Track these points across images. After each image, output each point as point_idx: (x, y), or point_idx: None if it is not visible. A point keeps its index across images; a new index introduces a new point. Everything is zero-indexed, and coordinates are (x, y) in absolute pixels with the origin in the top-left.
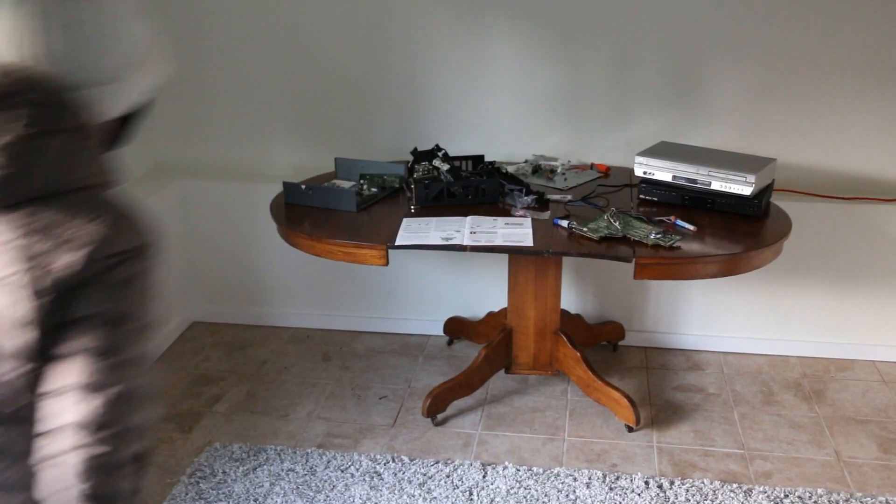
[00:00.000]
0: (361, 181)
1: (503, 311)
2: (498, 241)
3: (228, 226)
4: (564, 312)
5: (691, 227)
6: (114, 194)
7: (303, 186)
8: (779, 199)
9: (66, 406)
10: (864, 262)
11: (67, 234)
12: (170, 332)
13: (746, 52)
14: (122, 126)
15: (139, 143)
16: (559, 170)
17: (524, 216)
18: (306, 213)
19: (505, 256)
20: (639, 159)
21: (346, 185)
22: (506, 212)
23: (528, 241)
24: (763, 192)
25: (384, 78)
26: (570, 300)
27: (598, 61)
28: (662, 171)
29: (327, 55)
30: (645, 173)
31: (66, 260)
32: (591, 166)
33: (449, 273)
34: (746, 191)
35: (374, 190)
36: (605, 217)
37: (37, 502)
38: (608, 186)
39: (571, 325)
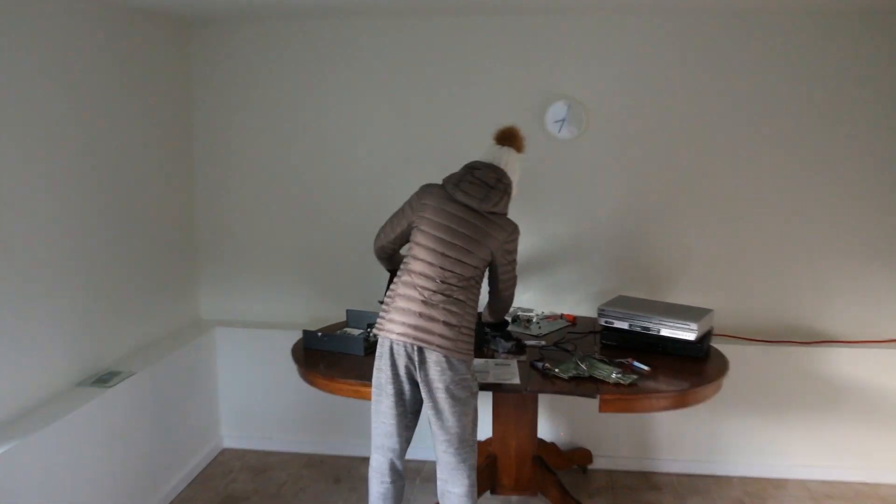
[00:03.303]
0: (369, 329)
1: (488, 440)
2: (490, 380)
3: (255, 366)
4: (541, 441)
5: (646, 368)
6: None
7: (319, 334)
8: (718, 343)
9: (505, 277)
10: (791, 396)
11: (504, 225)
12: (203, 457)
13: (687, 223)
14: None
15: (183, 297)
16: (534, 320)
17: (509, 359)
18: (322, 356)
19: (489, 393)
20: (601, 310)
21: (356, 332)
22: (490, 355)
23: (516, 379)
24: (705, 337)
25: None
26: (545, 430)
27: (568, 232)
28: (620, 321)
29: (340, 222)
30: (606, 322)
31: (504, 236)
32: (561, 316)
33: None
34: (691, 336)
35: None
36: (574, 360)
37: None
38: (576, 333)
39: (547, 452)
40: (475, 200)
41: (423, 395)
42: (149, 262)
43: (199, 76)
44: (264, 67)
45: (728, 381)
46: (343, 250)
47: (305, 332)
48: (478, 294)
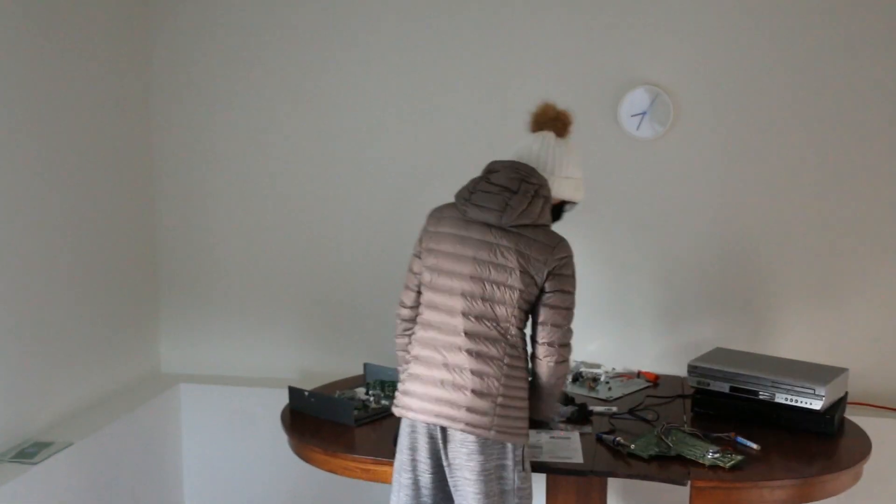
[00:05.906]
0: (369, 392)
1: None
2: (543, 458)
3: (231, 434)
4: None
5: (754, 446)
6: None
7: (306, 393)
8: (854, 414)
9: (545, 333)
10: None
11: (545, 240)
12: None
13: (808, 251)
14: (561, 208)
15: (138, 345)
16: (602, 378)
17: (566, 429)
18: (320, 423)
19: (542, 475)
20: (692, 367)
21: (362, 393)
22: (542, 424)
23: (579, 458)
24: (835, 407)
25: None
26: None
27: (646, 261)
28: (719, 382)
29: (349, 244)
30: (699, 383)
31: (545, 256)
32: (639, 374)
33: None
34: (816, 405)
35: (384, 403)
36: (655, 433)
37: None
38: (658, 397)
39: None
40: (493, 214)
41: (450, 483)
42: (93, 298)
43: (161, 57)
44: (245, 44)
45: (870, 467)
46: (354, 282)
47: (291, 389)
48: (524, 351)
